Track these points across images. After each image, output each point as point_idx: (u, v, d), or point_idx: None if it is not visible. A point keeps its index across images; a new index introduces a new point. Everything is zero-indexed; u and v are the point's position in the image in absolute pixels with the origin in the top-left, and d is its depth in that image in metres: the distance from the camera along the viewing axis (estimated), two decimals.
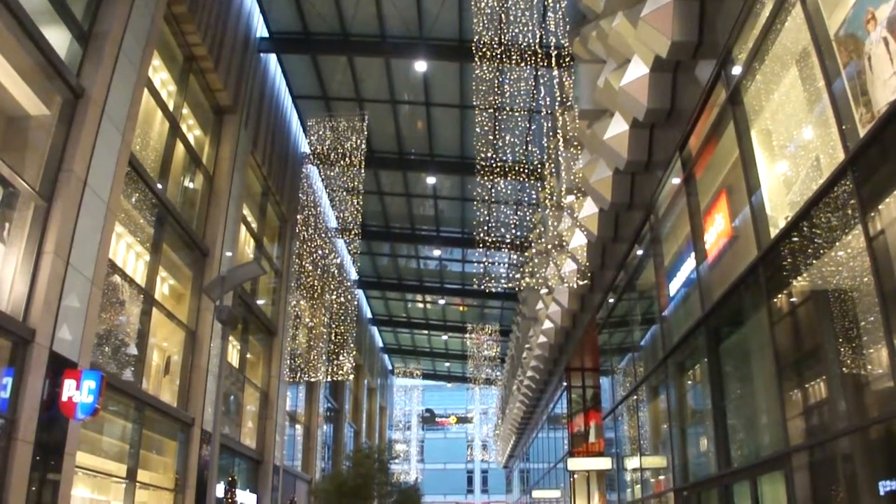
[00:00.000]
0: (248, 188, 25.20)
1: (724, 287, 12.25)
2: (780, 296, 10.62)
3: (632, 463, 21.32)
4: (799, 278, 9.99)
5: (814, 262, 9.43)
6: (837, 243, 8.89)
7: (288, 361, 29.64)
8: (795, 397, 10.39)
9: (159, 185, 18.47)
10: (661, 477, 18.03)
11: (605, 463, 27.59)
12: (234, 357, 25.46)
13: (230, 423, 24.27)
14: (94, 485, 16.44)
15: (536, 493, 45.72)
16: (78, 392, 12.65)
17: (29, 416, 11.86)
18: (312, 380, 32.48)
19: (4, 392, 11.72)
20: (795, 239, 9.61)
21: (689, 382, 15.95)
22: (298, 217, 29.50)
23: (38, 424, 12.07)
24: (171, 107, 19.62)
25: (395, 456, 40.75)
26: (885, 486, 7.92)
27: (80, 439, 13.63)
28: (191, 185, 21.69)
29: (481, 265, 35.79)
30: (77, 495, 14.73)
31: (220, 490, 19.24)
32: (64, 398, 12.59)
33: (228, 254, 22.15)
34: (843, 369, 9.02)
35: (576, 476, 31.57)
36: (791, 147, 10.57)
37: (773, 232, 10.31)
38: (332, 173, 28.61)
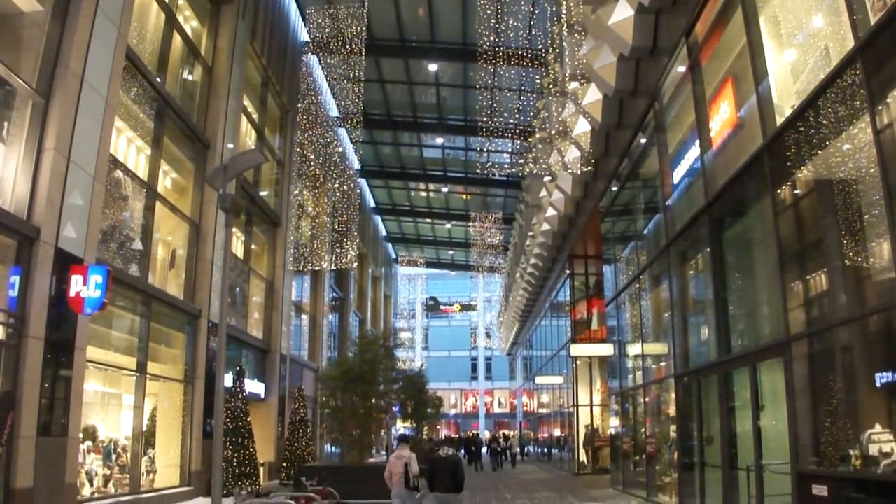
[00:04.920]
0: (247, 79, 24.87)
1: (727, 176, 12.22)
2: (783, 186, 10.59)
3: (633, 350, 21.67)
4: (803, 168, 9.95)
5: (819, 152, 9.35)
6: (844, 134, 8.81)
7: (292, 251, 29.81)
8: (796, 287, 10.48)
9: (158, 79, 18.22)
10: (662, 363, 18.35)
11: (607, 349, 28.00)
12: (238, 248, 25.63)
13: (237, 315, 24.62)
14: (105, 378, 16.81)
15: (539, 380, 46.65)
16: (85, 287, 12.82)
17: (38, 313, 12.04)
18: (317, 269, 32.74)
19: (13, 290, 11.88)
20: (801, 128, 9.52)
21: (691, 271, 16.07)
22: (299, 107, 29.21)
23: (48, 321, 12.26)
24: None
25: (399, 344, 41.18)
26: (881, 378, 8.06)
27: (89, 334, 13.87)
28: (190, 78, 21.39)
29: (484, 153, 35.75)
30: (89, 389, 15.08)
31: (228, 380, 19.62)
32: (72, 294, 12.76)
33: (230, 145, 22.00)
34: (845, 261, 9.07)
35: (578, 362, 32.15)
36: (800, 35, 10.35)
37: (779, 121, 10.21)
38: (332, 62, 28.19)
